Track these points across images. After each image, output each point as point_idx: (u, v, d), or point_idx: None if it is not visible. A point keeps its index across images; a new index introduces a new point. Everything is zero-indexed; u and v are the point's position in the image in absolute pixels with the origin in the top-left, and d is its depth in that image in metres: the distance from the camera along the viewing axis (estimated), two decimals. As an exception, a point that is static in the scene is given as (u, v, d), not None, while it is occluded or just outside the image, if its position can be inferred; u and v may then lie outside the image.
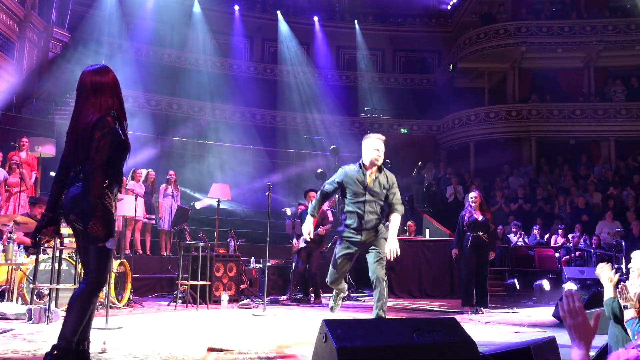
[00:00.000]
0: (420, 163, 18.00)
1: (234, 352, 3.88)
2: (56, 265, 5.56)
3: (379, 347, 2.13)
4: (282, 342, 4.44)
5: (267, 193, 7.29)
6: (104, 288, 6.00)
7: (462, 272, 7.93)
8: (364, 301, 9.19)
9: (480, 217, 7.59)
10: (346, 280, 9.27)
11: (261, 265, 9.53)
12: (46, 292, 5.82)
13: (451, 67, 21.43)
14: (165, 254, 10.67)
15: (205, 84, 19.96)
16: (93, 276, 2.90)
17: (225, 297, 7.74)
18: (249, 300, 8.12)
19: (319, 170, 14.54)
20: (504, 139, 19.59)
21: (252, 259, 9.97)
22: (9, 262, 6.10)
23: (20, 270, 6.17)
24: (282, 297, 8.62)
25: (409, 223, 11.99)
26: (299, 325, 5.64)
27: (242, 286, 8.52)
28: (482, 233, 7.59)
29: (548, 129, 19.19)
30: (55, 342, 2.87)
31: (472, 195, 7.83)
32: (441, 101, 21.50)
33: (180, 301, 7.48)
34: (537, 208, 14.57)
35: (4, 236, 6.48)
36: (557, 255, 11.94)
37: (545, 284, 9.94)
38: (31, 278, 5.96)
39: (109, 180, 2.96)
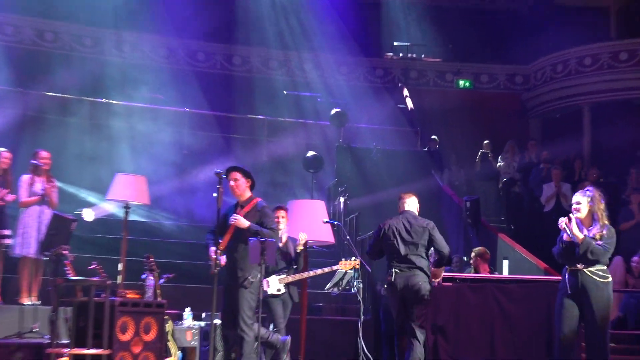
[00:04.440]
0: (487, 142, 18.09)
1: None
2: None
3: None
4: None
5: (215, 194, 7.58)
6: None
7: (555, 330, 8.07)
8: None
9: (581, 236, 7.67)
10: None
11: (203, 324, 9.66)
12: None
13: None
14: (28, 302, 10.59)
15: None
16: None
17: (138, 381, 7.71)
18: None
19: (311, 154, 14.71)
20: (644, 98, 19.66)
21: (188, 311, 10.04)
22: None
23: None
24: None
25: (479, 251, 11.94)
26: None
27: (168, 360, 8.56)
28: (582, 266, 7.71)
29: None
30: None
31: (577, 198, 7.96)
32: (530, 33, 21.44)
33: (54, 386, 7.48)
34: None
35: None
36: None
37: None
38: None
39: None
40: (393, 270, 8.60)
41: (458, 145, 18.75)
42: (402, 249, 8.55)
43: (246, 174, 8.50)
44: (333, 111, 16.58)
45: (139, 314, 8.21)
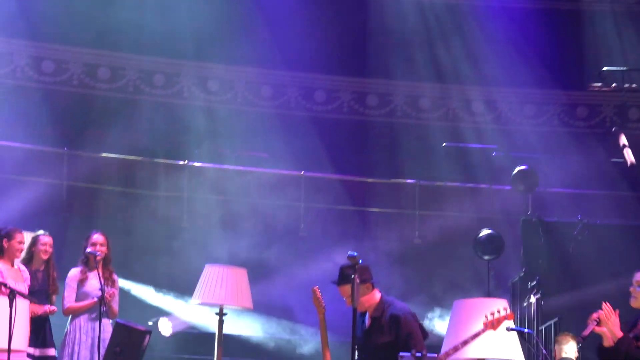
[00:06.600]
0: None
1: None
2: None
3: None
4: None
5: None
6: None
7: None
8: None
9: (619, 334, 7.39)
10: None
11: None
12: None
13: None
14: None
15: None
16: None
17: None
18: None
19: (485, 233, 15.07)
20: None
21: None
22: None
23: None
24: None
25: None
26: None
27: None
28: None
29: None
30: None
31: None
32: None
33: None
34: None
35: None
36: None
37: None
38: None
39: None
40: None
41: None
42: None
43: (361, 277, 7.96)
44: (516, 170, 16.54)
45: None
